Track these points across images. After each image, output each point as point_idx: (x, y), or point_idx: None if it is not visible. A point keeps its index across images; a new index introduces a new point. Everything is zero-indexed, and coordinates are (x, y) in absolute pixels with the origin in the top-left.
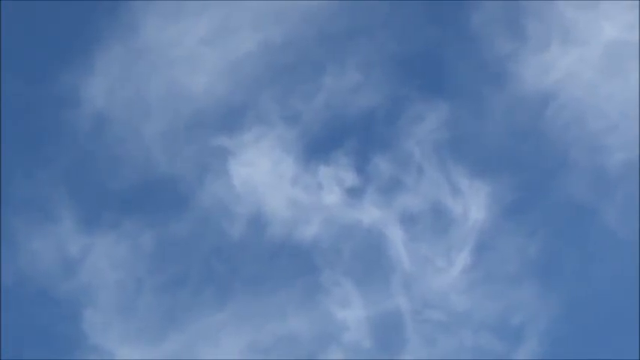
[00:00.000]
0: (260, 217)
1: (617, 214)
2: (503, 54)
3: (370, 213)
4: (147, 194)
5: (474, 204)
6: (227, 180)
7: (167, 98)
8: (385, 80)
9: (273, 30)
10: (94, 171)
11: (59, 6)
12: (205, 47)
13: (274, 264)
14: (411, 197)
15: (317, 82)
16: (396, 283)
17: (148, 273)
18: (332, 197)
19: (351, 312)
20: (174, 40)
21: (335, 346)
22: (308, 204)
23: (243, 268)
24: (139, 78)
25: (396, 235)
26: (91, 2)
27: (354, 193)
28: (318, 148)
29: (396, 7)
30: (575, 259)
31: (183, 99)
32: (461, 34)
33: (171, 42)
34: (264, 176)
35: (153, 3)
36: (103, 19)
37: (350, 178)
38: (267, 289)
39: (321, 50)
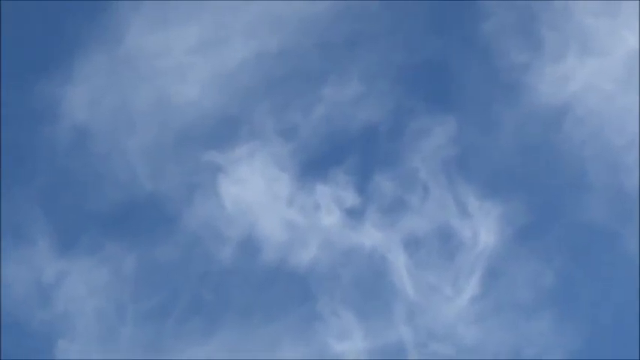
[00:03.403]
0: (252, 240)
1: (638, 238)
2: (516, 64)
3: (371, 236)
4: (130, 215)
5: (483, 227)
6: (217, 200)
7: (154, 111)
8: (389, 92)
9: (268, 38)
10: (73, 190)
11: (36, 10)
12: (195, 56)
13: (267, 291)
14: (416, 219)
15: (315, 94)
16: (399, 312)
17: (131, 300)
18: (330, 219)
19: (351, 344)
20: (162, 48)
21: None
22: (304, 226)
23: (233, 296)
24: (123, 89)
25: (399, 260)
26: (72, 6)
27: (354, 215)
28: (315, 165)
29: (401, 14)
30: (593, 286)
31: (171, 111)
32: (470, 42)
33: (158, 50)
34: (258, 196)
35: (139, 8)
36: (85, 24)
37: (350, 197)
38: (259, 318)
39: (320, 60)
